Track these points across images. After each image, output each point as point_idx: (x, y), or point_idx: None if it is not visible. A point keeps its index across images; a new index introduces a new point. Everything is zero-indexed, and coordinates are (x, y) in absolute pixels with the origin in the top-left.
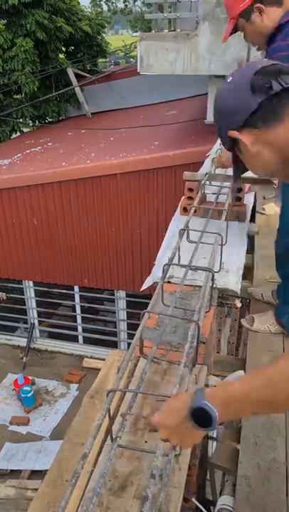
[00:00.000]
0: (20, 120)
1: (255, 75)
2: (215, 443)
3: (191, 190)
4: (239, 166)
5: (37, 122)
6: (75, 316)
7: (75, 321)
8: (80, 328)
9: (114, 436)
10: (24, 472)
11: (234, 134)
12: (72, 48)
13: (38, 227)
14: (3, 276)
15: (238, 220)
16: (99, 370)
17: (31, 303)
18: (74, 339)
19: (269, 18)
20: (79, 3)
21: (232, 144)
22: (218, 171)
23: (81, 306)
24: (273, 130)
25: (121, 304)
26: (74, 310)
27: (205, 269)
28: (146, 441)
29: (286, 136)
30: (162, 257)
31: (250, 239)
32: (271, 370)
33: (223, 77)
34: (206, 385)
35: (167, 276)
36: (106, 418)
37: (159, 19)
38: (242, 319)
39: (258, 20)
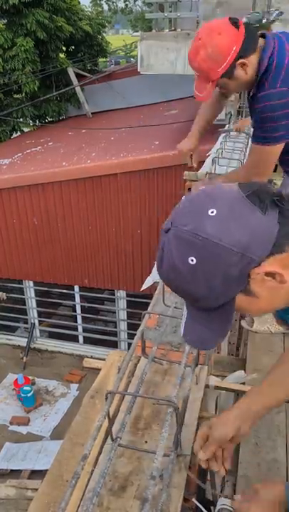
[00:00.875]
0: (21, 120)
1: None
2: None
3: (191, 190)
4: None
5: (37, 122)
6: (76, 316)
7: (76, 321)
8: (80, 328)
9: (114, 437)
10: (24, 472)
11: (263, 270)
12: (73, 47)
13: (38, 227)
14: (3, 276)
15: None
16: (99, 370)
17: (31, 303)
18: (74, 339)
19: (251, 67)
20: (79, 2)
21: (227, 300)
22: (219, 169)
23: (81, 305)
24: None
25: (121, 303)
26: (74, 310)
27: None
28: (146, 442)
29: None
30: None
31: None
32: None
33: None
34: (207, 386)
35: None
36: (106, 420)
37: (159, 19)
38: (242, 320)
39: (242, 73)
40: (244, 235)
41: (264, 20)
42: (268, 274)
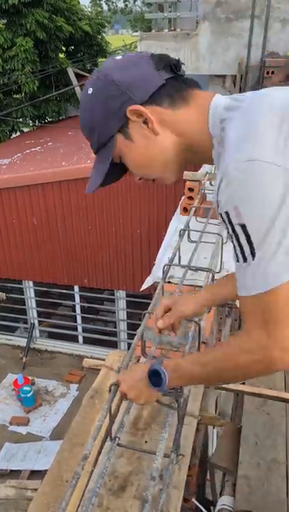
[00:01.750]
0: (20, 120)
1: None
2: (215, 443)
3: (191, 190)
4: (113, 167)
5: (37, 122)
6: (75, 316)
7: (75, 321)
8: (80, 328)
9: (113, 436)
10: (24, 472)
11: (137, 108)
12: (73, 47)
13: (38, 227)
14: (3, 276)
15: None
16: (99, 370)
17: (31, 303)
18: (74, 339)
19: None
20: (79, 2)
21: (109, 135)
22: None
23: (81, 306)
24: (178, 111)
25: (121, 303)
26: (74, 310)
27: (205, 269)
28: (146, 442)
29: (190, 120)
30: (162, 256)
31: None
32: (213, 354)
33: (224, 76)
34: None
35: (167, 276)
36: (106, 418)
37: (159, 19)
38: None
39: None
40: (130, 76)
41: None
42: (139, 114)
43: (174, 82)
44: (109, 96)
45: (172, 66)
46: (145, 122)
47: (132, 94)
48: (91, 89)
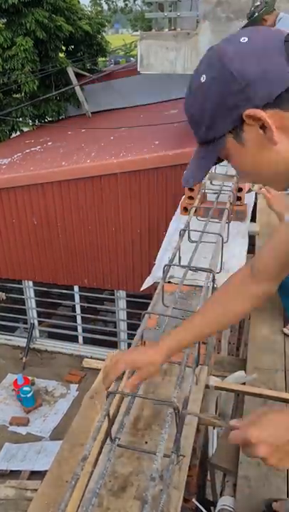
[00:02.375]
0: (20, 119)
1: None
2: (215, 443)
3: (191, 189)
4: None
5: (37, 121)
6: (75, 316)
7: (75, 321)
8: (80, 329)
9: (113, 437)
10: (24, 473)
11: (256, 112)
12: (72, 47)
13: (38, 227)
14: (2, 276)
15: (239, 220)
16: (99, 370)
17: (31, 303)
18: (74, 339)
19: None
20: (79, 2)
21: (219, 135)
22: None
23: (81, 306)
24: None
25: (121, 303)
26: (74, 310)
27: (206, 269)
28: (146, 442)
29: None
30: (162, 257)
31: (251, 239)
32: None
33: None
34: (207, 386)
35: (168, 276)
36: (106, 419)
37: (159, 18)
38: (284, 328)
39: None
40: (254, 71)
41: (255, 15)
42: (257, 118)
43: None
44: (226, 91)
45: None
46: (262, 127)
47: (252, 93)
48: (204, 76)
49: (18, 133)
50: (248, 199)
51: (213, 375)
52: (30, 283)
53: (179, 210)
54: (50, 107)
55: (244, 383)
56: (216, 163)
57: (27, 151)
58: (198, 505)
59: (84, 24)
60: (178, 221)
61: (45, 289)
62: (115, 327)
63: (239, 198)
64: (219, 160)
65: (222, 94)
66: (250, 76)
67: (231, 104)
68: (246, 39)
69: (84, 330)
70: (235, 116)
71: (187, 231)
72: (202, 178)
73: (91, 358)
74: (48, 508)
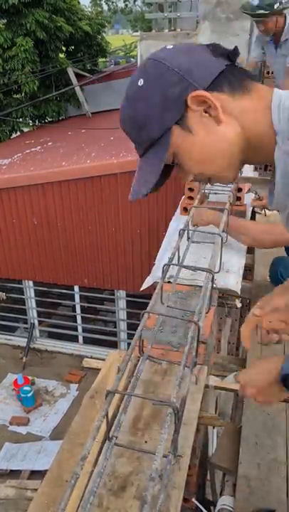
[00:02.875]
0: (20, 120)
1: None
2: (215, 443)
3: (191, 189)
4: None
5: (37, 122)
6: (75, 316)
7: (75, 321)
8: (80, 328)
9: (110, 436)
10: (24, 472)
11: (202, 93)
12: (73, 47)
13: (38, 226)
14: (3, 276)
15: None
16: (99, 370)
17: (31, 303)
18: (74, 339)
19: None
20: (79, 2)
21: (165, 127)
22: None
23: (81, 305)
24: (241, 100)
25: (121, 303)
26: (74, 310)
27: (205, 269)
28: (146, 442)
29: (254, 110)
30: (162, 256)
31: None
32: None
33: None
34: (206, 386)
35: (167, 276)
36: (105, 419)
37: (159, 19)
38: None
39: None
40: (188, 62)
41: (276, 5)
42: (201, 101)
43: (232, 70)
44: (167, 84)
45: (229, 54)
46: (206, 112)
47: (192, 79)
48: (141, 80)
49: (18, 133)
50: (248, 199)
51: (213, 375)
52: (31, 283)
53: (178, 210)
54: (51, 107)
55: None
56: (163, 180)
57: (27, 151)
58: (198, 504)
59: (84, 25)
60: (178, 221)
61: (45, 288)
62: (115, 327)
63: (239, 198)
64: (166, 174)
65: (164, 87)
66: (185, 65)
67: (176, 93)
68: (172, 46)
69: (84, 330)
70: (180, 104)
71: (187, 231)
72: (154, 183)
73: (91, 357)
74: (48, 508)
